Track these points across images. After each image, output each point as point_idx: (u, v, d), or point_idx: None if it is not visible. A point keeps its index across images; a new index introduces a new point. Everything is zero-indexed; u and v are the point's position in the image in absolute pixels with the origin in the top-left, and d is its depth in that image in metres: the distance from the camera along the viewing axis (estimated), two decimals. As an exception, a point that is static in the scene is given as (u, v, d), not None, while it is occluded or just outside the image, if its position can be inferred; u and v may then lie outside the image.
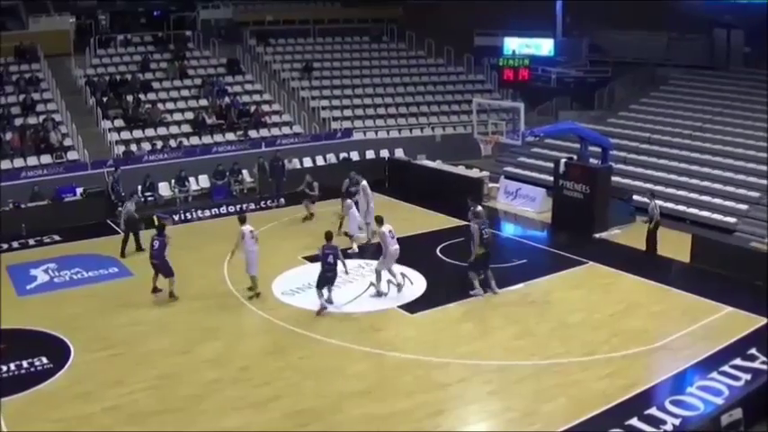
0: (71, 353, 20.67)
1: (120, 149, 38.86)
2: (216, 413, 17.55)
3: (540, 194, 34.95)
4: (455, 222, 31.49)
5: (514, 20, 49.66)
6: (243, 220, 25.46)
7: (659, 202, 29.56)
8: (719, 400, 17.77)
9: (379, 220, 25.83)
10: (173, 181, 36.95)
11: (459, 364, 19.99)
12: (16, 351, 20.36)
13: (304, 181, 34.03)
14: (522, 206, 35.17)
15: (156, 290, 24.97)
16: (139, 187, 35.10)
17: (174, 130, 41.70)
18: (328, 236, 24.05)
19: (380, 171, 39.16)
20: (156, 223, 30.74)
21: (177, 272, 24.90)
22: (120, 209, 33.19)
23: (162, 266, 24.66)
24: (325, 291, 23.69)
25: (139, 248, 29.46)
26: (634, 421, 16.96)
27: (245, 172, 38.89)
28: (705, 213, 32.40)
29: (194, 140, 41.16)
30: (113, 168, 35.18)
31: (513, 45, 51.74)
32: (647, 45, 48.14)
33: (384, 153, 43.21)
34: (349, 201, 29.95)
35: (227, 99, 44.52)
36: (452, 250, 28.68)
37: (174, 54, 47.65)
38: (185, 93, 44.92)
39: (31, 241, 30.76)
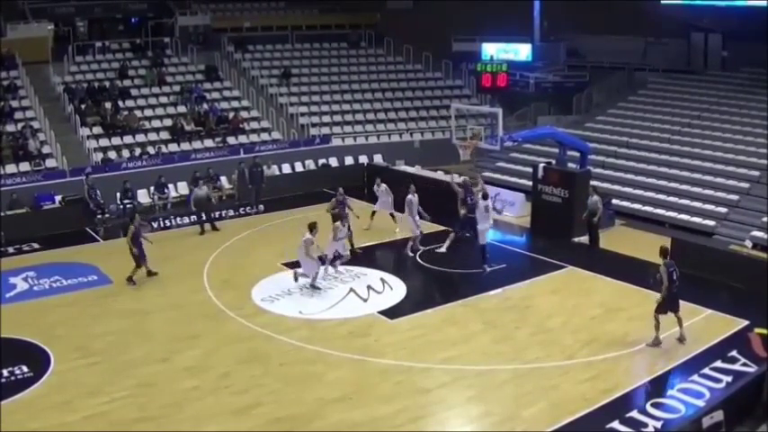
0: (51, 361, 20.52)
1: (99, 156, 38.71)
2: (196, 421, 17.47)
3: (518, 199, 34.96)
4: (434, 228, 31.47)
5: (492, 25, 49.79)
6: (336, 218, 27.23)
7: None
8: (701, 403, 17.84)
9: (484, 196, 27.80)
10: (152, 188, 36.74)
11: (440, 369, 19.99)
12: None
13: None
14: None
15: (150, 273, 26.85)
16: (118, 194, 34.98)
17: (152, 136, 41.55)
18: (665, 252, 21.77)
19: (359, 177, 39.10)
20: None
21: (158, 279, 25.92)
22: (99, 216, 33.29)
23: (137, 253, 26.28)
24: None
25: (214, 228, 32.90)
26: (615, 424, 17.00)
27: (223, 178, 38.76)
28: (684, 216, 32.56)
29: (173, 147, 41.04)
30: (86, 176, 35.00)
31: (491, 50, 51.84)
32: (624, 49, 48.31)
33: (363, 159, 43.14)
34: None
35: (205, 106, 44.43)
36: (432, 255, 28.73)
37: (152, 61, 47.52)
38: (163, 99, 44.76)
39: (10, 249, 30.51)
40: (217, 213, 34.36)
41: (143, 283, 26.35)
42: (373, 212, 32.41)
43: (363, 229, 31.53)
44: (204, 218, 32.62)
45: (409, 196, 29.25)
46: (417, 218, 29.26)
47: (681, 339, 21.26)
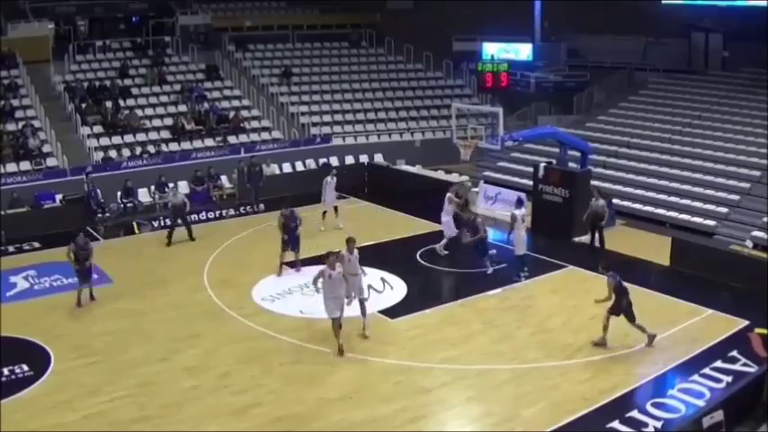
0: (51, 361, 20.53)
1: (100, 155, 38.71)
2: (196, 421, 17.48)
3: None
4: (434, 227, 31.43)
5: (492, 25, 49.79)
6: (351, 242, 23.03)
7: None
8: (701, 403, 17.85)
9: (519, 202, 27.65)
10: (152, 187, 36.68)
11: (440, 369, 19.98)
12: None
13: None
14: (502, 210, 35.08)
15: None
16: (119, 193, 34.97)
17: (153, 136, 41.55)
18: (606, 265, 21.78)
19: (360, 176, 39.10)
20: (137, 230, 30.89)
21: (158, 278, 26.02)
22: (99, 215, 33.26)
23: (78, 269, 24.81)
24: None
25: (191, 238, 31.45)
26: (615, 424, 17.02)
27: (223, 178, 38.75)
28: (685, 216, 32.57)
29: (173, 146, 41.05)
30: (86, 175, 34.98)
31: (492, 50, 51.87)
32: (625, 49, 48.36)
33: (363, 158, 43.15)
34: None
35: (205, 105, 44.40)
36: (432, 255, 28.71)
37: (153, 60, 47.52)
38: (164, 99, 44.74)
39: (11, 248, 30.54)
40: (217, 213, 34.41)
41: (143, 283, 26.31)
42: (324, 212, 32.20)
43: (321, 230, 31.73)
44: (181, 223, 31.63)
45: (449, 194, 29.15)
46: (451, 219, 29.09)
47: (599, 343, 21.17)
